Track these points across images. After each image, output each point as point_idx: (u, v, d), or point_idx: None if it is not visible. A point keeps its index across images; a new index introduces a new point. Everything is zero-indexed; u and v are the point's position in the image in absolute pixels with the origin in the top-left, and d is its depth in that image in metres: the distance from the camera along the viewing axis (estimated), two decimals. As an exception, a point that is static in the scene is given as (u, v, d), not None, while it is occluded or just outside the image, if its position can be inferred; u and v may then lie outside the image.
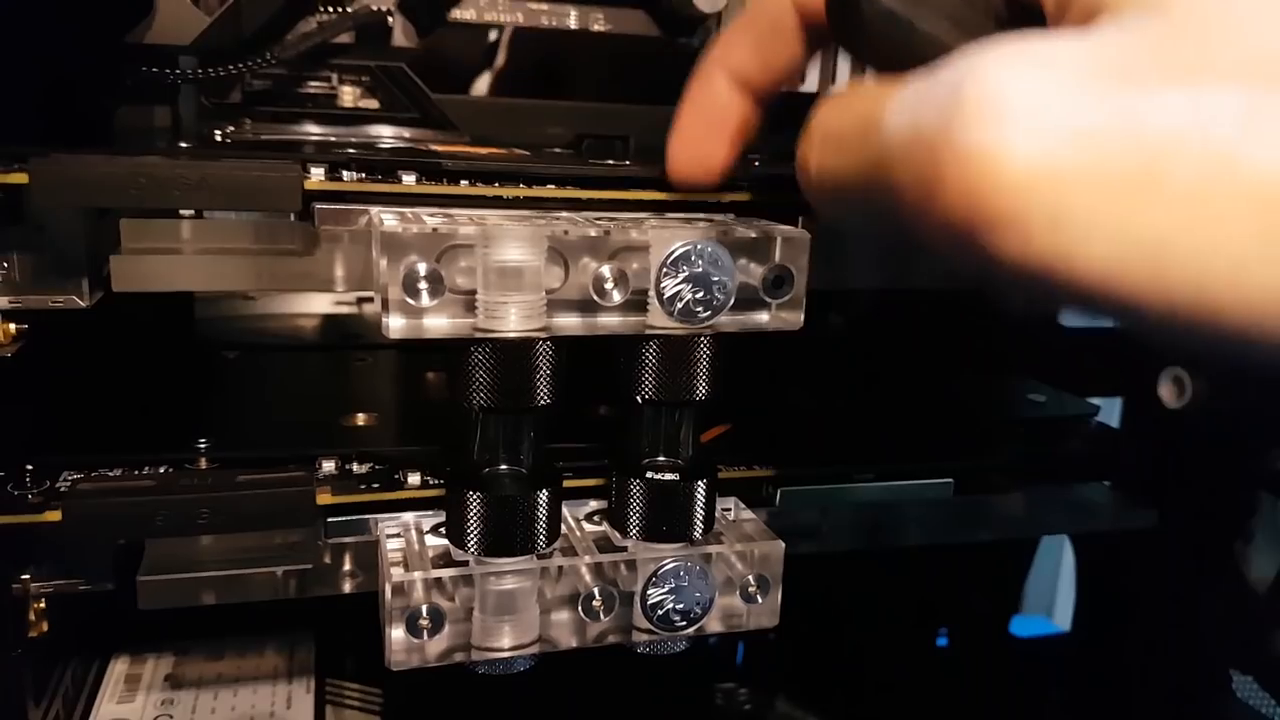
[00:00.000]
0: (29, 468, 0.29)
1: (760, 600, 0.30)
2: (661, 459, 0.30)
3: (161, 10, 0.34)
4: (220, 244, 0.27)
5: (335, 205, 0.27)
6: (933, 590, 0.52)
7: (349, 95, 0.39)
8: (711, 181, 0.29)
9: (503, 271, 0.24)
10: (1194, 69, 0.16)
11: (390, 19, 0.37)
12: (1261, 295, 0.15)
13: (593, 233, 0.25)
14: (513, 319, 0.25)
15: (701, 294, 0.26)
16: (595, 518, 0.31)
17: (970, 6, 0.22)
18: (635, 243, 0.25)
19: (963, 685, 0.51)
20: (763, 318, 0.27)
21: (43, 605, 0.31)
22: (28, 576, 0.30)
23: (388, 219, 0.25)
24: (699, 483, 0.29)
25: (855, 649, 0.51)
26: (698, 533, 0.30)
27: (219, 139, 0.36)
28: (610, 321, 0.26)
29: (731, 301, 0.26)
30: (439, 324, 0.24)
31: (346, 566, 0.31)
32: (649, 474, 0.29)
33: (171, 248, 0.26)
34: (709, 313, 0.26)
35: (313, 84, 0.38)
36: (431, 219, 0.25)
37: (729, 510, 0.32)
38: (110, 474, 0.30)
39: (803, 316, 0.27)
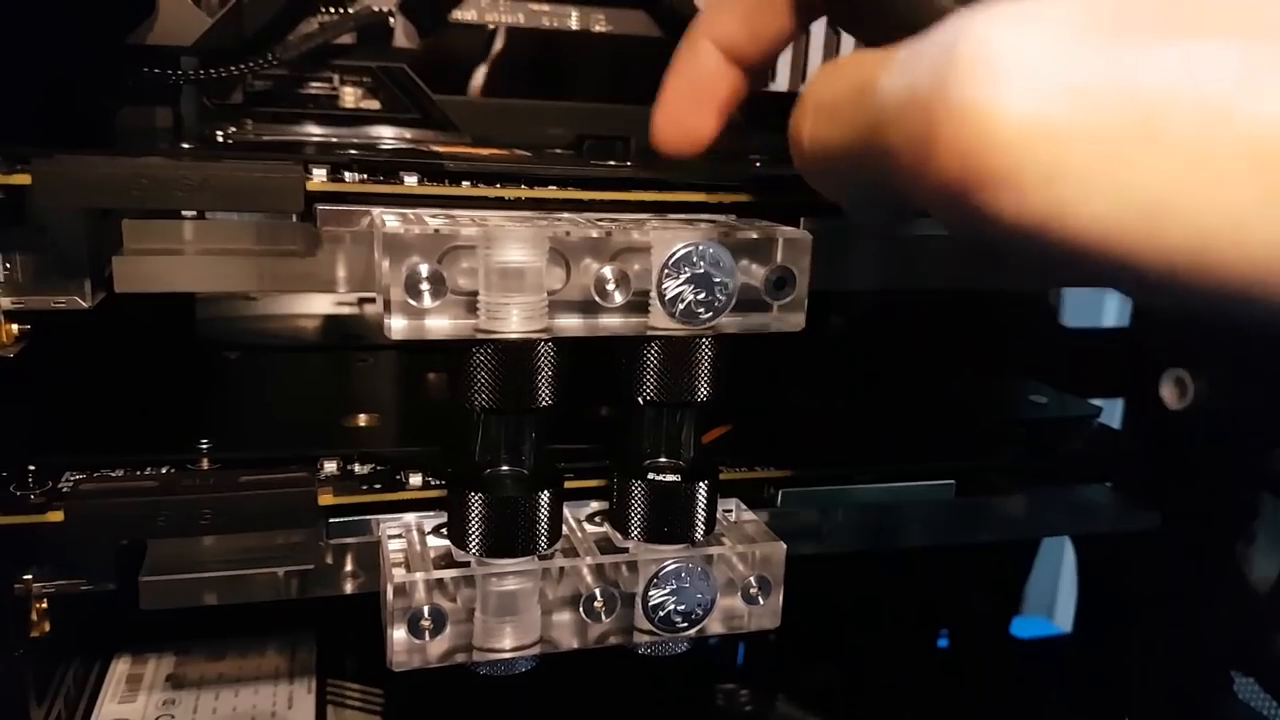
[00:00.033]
0: (31, 468, 0.30)
1: (761, 601, 0.30)
2: (663, 460, 0.30)
3: (163, 11, 0.34)
4: (222, 245, 0.27)
5: (337, 206, 0.27)
6: (934, 591, 0.52)
7: (350, 96, 0.39)
8: (696, 152, 0.28)
9: (504, 272, 0.24)
10: (1189, 22, 0.15)
11: (391, 20, 0.37)
12: (1263, 252, 0.15)
13: (594, 234, 0.25)
14: (514, 320, 0.25)
15: (703, 295, 0.26)
16: (597, 519, 0.31)
17: None
18: (637, 244, 0.25)
19: (963, 686, 0.51)
20: (764, 319, 0.27)
21: (45, 605, 0.31)
22: (30, 577, 0.30)
23: (390, 220, 0.25)
24: (700, 484, 0.29)
25: (856, 650, 0.51)
26: (699, 534, 0.29)
27: (221, 140, 0.36)
28: (612, 322, 0.26)
29: (733, 302, 0.26)
30: (441, 325, 0.24)
31: (348, 567, 0.31)
32: (650, 475, 0.29)
33: (173, 249, 0.26)
34: (710, 314, 0.26)
35: (314, 85, 0.38)
36: (433, 220, 0.25)
37: (730, 511, 0.32)
38: (112, 474, 0.30)
39: (804, 317, 0.27)
